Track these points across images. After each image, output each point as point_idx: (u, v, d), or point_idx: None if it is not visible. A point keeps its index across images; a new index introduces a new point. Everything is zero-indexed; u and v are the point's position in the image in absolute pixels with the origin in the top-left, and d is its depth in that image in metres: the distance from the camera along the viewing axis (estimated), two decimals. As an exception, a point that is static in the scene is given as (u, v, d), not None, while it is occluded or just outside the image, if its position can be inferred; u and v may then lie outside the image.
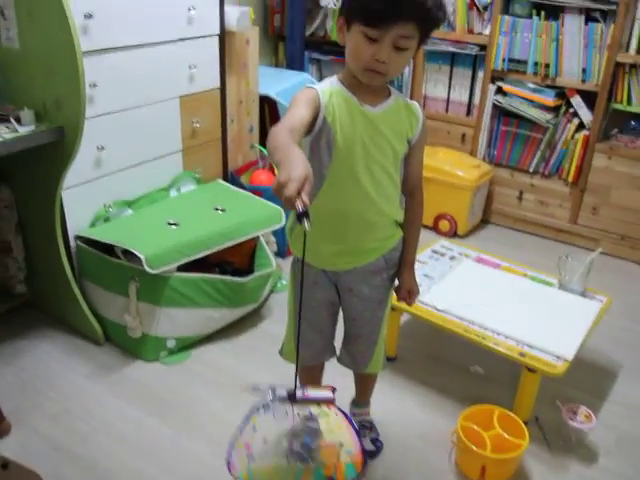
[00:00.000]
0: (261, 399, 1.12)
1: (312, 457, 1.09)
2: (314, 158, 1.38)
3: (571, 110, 3.01)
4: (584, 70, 2.89)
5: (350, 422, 1.09)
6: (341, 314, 1.67)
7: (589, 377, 2.21)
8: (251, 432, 1.13)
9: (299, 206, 0.96)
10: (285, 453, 1.10)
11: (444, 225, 3.25)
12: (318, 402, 1.10)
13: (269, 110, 3.26)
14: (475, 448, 1.70)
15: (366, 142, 1.37)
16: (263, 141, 3.24)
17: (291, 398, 1.11)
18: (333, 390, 1.17)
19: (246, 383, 1.15)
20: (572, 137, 3.03)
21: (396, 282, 1.65)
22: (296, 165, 1.00)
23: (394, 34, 1.23)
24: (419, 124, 1.44)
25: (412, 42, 1.27)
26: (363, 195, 1.41)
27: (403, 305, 1.74)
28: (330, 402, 1.10)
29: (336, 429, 1.09)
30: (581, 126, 3.01)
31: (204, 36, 2.53)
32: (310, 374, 1.76)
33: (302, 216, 0.96)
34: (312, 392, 1.11)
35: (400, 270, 1.63)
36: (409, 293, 1.66)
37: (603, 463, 1.85)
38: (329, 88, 1.36)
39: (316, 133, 1.34)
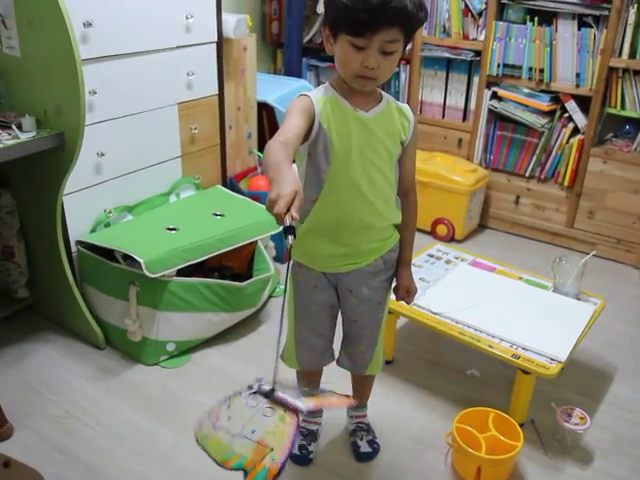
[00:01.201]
0: (250, 386, 1.17)
1: (246, 446, 1.13)
2: (312, 164, 1.42)
3: (566, 115, 3.04)
4: (578, 75, 2.92)
5: (294, 438, 1.13)
6: (340, 317, 1.70)
7: (584, 379, 2.23)
8: (225, 407, 1.18)
9: (287, 220, 1.01)
10: (233, 434, 1.15)
11: (442, 230, 3.28)
12: (286, 406, 1.14)
13: (267, 116, 3.30)
14: (470, 450, 1.72)
15: (362, 146, 1.40)
16: (261, 147, 3.25)
17: (267, 394, 1.15)
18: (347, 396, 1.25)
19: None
20: (567, 141, 3.06)
21: (394, 282, 1.68)
22: (286, 182, 1.05)
23: (379, 40, 1.27)
24: (410, 125, 1.48)
25: (398, 45, 1.31)
26: (361, 198, 1.45)
27: (399, 308, 1.77)
28: (296, 411, 1.14)
29: (278, 435, 1.13)
30: (576, 130, 3.04)
31: (202, 43, 2.56)
32: (309, 378, 1.78)
33: (288, 231, 1.02)
34: (289, 396, 1.15)
35: (397, 270, 1.66)
36: (407, 292, 1.69)
37: (598, 464, 1.87)
38: (323, 96, 1.39)
39: (312, 140, 1.38)
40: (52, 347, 2.30)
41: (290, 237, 1.03)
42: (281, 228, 1.03)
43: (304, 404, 1.15)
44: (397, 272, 1.66)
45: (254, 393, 1.16)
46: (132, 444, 1.88)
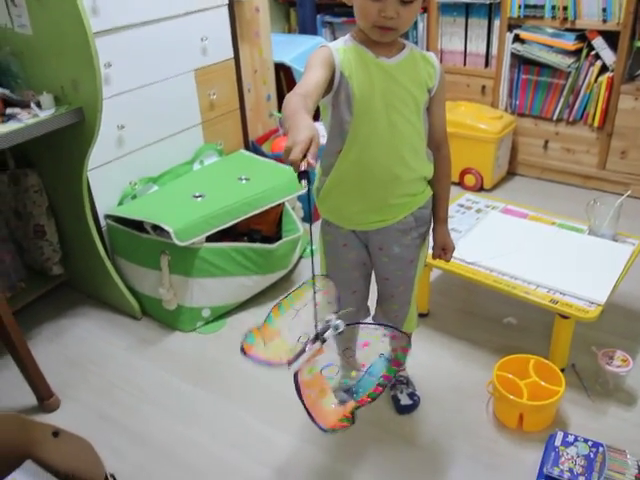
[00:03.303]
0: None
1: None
2: (335, 116, 1.39)
3: (593, 52, 2.93)
4: (604, 10, 2.80)
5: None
6: (374, 275, 1.68)
7: (623, 321, 2.20)
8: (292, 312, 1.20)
9: (302, 166, 0.99)
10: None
11: (470, 180, 3.22)
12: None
13: (285, 77, 3.25)
14: (512, 397, 1.72)
15: (385, 93, 1.36)
16: (281, 109, 3.23)
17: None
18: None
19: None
20: (595, 80, 2.95)
21: (430, 240, 1.65)
22: (301, 129, 1.02)
23: None
24: (437, 73, 1.43)
25: None
26: (387, 148, 1.41)
27: (432, 260, 1.75)
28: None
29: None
30: (604, 68, 2.93)
31: (213, 7, 2.51)
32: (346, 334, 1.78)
33: (302, 175, 0.99)
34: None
35: (433, 228, 1.63)
36: (444, 250, 1.67)
37: (643, 405, 1.85)
38: (342, 45, 1.36)
39: (335, 90, 1.35)
40: (90, 321, 2.34)
41: (304, 181, 1.00)
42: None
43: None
44: (433, 229, 1.63)
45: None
46: (175, 409, 1.92)
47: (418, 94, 1.41)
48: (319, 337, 1.17)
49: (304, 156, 0.99)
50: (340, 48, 1.35)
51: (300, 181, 1.00)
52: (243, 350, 1.16)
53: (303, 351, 1.17)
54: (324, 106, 1.41)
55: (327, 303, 1.23)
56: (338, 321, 1.17)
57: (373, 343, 1.23)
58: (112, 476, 1.24)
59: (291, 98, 1.16)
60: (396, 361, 1.22)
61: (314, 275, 1.16)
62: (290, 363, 1.16)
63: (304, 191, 1.01)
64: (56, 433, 1.32)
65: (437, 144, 1.54)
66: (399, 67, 1.37)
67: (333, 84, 1.33)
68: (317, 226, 1.64)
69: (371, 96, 1.35)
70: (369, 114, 1.37)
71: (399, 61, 1.38)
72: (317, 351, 1.18)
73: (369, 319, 1.77)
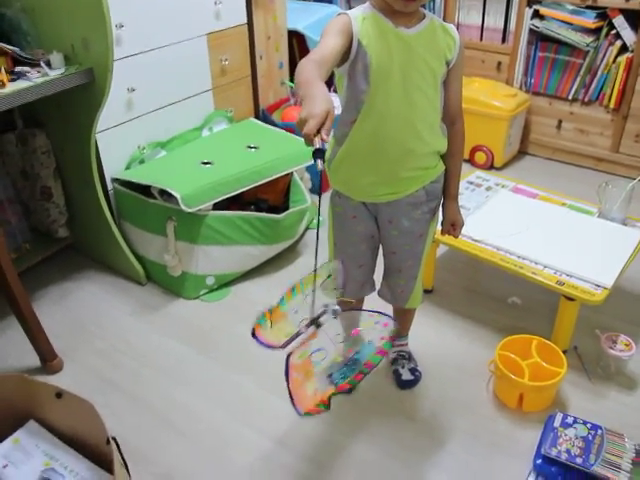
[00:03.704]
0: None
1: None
2: (351, 85, 1.37)
3: (613, 32, 2.87)
4: (628, -12, 2.74)
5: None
6: (381, 249, 1.67)
7: (629, 306, 2.19)
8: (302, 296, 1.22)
9: (317, 143, 0.97)
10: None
11: (480, 157, 3.19)
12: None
13: (298, 45, 3.20)
14: (513, 376, 1.72)
15: (403, 65, 1.34)
16: (293, 77, 3.19)
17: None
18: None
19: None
20: (614, 61, 2.90)
21: (439, 216, 1.64)
22: (318, 101, 1.01)
23: None
24: (456, 45, 1.40)
25: None
26: (402, 120, 1.39)
27: (439, 236, 1.74)
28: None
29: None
30: (624, 48, 2.88)
31: (229, -30, 2.47)
32: (350, 307, 1.78)
33: (318, 154, 0.98)
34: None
35: (443, 203, 1.62)
36: (453, 226, 1.66)
37: (643, 390, 1.86)
38: (361, 13, 1.33)
39: (352, 59, 1.32)
40: (94, 284, 2.35)
41: (319, 161, 0.99)
42: (311, 152, 0.99)
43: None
44: (443, 204, 1.62)
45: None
46: (176, 375, 1.93)
47: (436, 66, 1.38)
48: (314, 322, 1.18)
49: (318, 130, 0.98)
50: (359, 16, 1.32)
51: (315, 160, 0.99)
52: (254, 332, 1.17)
53: (298, 334, 1.18)
54: (340, 75, 1.38)
55: (333, 289, 1.23)
56: (336, 306, 1.18)
57: (364, 330, 1.24)
58: (114, 439, 1.25)
59: (306, 64, 1.14)
60: (382, 350, 1.23)
61: (317, 255, 1.15)
62: (283, 346, 1.17)
63: (319, 168, 1.00)
64: (59, 394, 1.33)
65: (452, 118, 1.51)
66: (418, 38, 1.34)
67: (350, 53, 1.30)
68: (326, 200, 1.63)
69: (389, 66, 1.33)
70: (386, 85, 1.34)
71: (419, 31, 1.35)
72: (311, 335, 1.19)
73: (374, 294, 1.76)
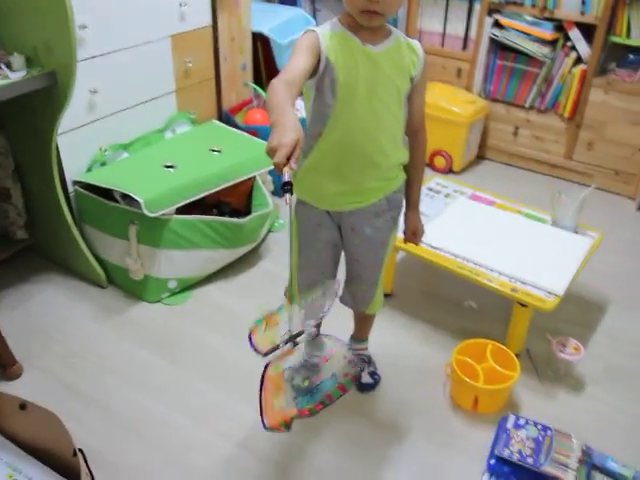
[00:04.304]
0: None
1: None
2: (318, 99, 1.40)
3: (569, 44, 2.97)
4: (584, 2, 2.83)
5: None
6: (344, 255, 1.71)
7: (579, 311, 2.28)
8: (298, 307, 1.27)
9: (285, 175, 1.01)
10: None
11: (439, 161, 3.26)
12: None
13: (262, 47, 3.20)
14: (468, 380, 1.78)
15: (369, 81, 1.38)
16: (257, 79, 3.20)
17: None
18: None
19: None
20: (569, 71, 3.00)
21: (401, 224, 1.69)
22: (288, 130, 1.04)
23: None
24: (420, 62, 1.45)
25: None
26: (366, 134, 1.43)
27: (399, 243, 1.78)
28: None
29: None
30: (579, 60, 2.98)
31: (193, -28, 2.47)
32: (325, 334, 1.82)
33: (286, 188, 1.01)
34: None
35: (405, 212, 1.66)
36: (414, 234, 1.71)
37: (590, 392, 1.94)
38: (330, 31, 1.36)
39: (320, 74, 1.35)
40: (55, 287, 2.32)
41: (287, 195, 1.01)
42: (280, 181, 1.02)
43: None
44: (405, 213, 1.66)
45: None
46: (138, 379, 1.93)
47: (401, 83, 1.42)
48: (292, 339, 1.21)
49: (288, 159, 1.01)
50: (327, 34, 1.35)
51: (284, 194, 1.02)
52: (250, 334, 1.22)
53: (277, 348, 1.23)
54: (307, 89, 1.41)
55: (316, 309, 1.27)
56: (313, 329, 1.22)
57: (333, 359, 1.28)
58: (80, 450, 1.25)
59: (277, 86, 1.17)
60: (343, 386, 1.28)
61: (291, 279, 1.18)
62: (265, 355, 1.21)
63: (287, 203, 1.03)
64: (23, 405, 1.32)
65: (415, 131, 1.56)
66: (384, 55, 1.38)
67: (318, 68, 1.33)
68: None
69: (355, 82, 1.36)
70: (352, 100, 1.38)
71: (385, 49, 1.38)
72: (287, 352, 1.24)
73: (336, 300, 1.79)
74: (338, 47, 1.34)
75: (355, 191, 1.52)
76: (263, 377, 1.18)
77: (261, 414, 1.18)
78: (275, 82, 1.18)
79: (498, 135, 3.36)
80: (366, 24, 1.33)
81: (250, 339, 1.22)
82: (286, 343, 1.22)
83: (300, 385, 1.28)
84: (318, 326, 1.79)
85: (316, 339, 1.28)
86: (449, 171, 3.26)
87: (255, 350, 1.22)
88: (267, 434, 1.72)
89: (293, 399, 1.27)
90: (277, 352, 1.23)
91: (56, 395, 1.85)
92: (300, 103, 2.74)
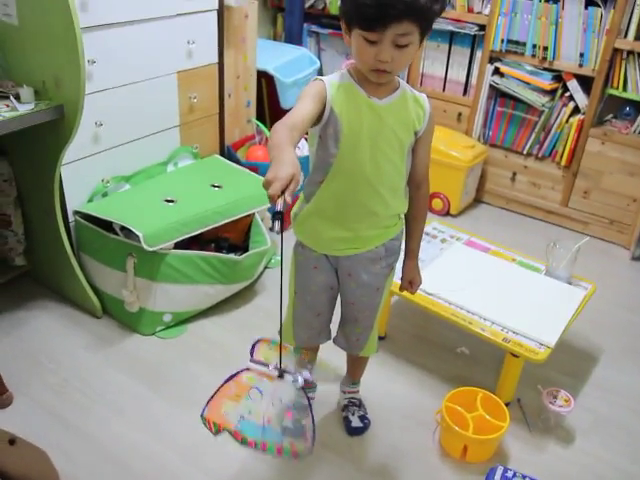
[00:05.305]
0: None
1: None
2: (322, 147, 1.43)
3: (567, 94, 3.03)
4: (582, 54, 2.90)
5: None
6: (339, 298, 1.73)
7: (571, 360, 2.29)
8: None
9: (279, 205, 1.02)
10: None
11: (437, 204, 3.29)
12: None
13: (266, 85, 3.26)
14: (458, 429, 1.78)
15: (372, 133, 1.40)
16: (260, 116, 3.25)
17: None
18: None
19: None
20: (567, 121, 3.05)
21: (398, 270, 1.70)
22: (284, 164, 1.07)
23: (392, 34, 1.25)
24: (426, 116, 1.47)
25: (412, 37, 1.28)
26: (368, 184, 1.45)
27: (393, 287, 1.80)
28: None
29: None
30: (576, 110, 3.03)
31: (203, 11, 2.52)
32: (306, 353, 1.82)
33: (277, 216, 1.03)
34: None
35: (404, 261, 1.69)
36: (411, 284, 1.73)
37: (579, 444, 1.94)
38: (338, 81, 1.39)
39: (324, 123, 1.38)
40: (50, 315, 2.32)
41: (277, 223, 1.04)
42: (272, 210, 1.05)
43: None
44: (403, 262, 1.69)
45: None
46: (128, 413, 1.93)
47: (404, 136, 1.45)
48: (280, 370, 1.23)
49: (283, 192, 1.03)
50: (334, 83, 1.38)
51: (274, 222, 1.05)
52: (259, 341, 1.31)
53: (267, 365, 1.28)
54: (312, 135, 1.44)
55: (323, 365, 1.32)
56: (301, 379, 1.24)
57: (293, 420, 1.30)
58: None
59: (280, 128, 1.20)
60: (295, 452, 1.29)
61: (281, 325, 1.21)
62: (251, 360, 1.27)
63: (276, 230, 1.06)
64: (12, 441, 1.33)
65: (417, 183, 1.58)
66: (389, 108, 1.41)
67: (323, 116, 1.36)
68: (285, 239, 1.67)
69: (359, 134, 1.39)
70: (354, 151, 1.41)
71: (390, 102, 1.41)
72: (270, 376, 1.28)
73: (330, 342, 1.81)
74: (344, 98, 1.38)
75: (353, 238, 1.54)
76: (235, 374, 1.22)
77: (207, 402, 1.26)
78: (278, 125, 1.21)
79: (496, 180, 3.41)
80: (375, 80, 1.36)
81: (254, 345, 1.28)
82: (275, 369, 1.27)
83: (250, 417, 1.30)
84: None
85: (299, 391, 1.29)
86: (447, 213, 3.29)
87: (251, 356, 1.27)
88: (256, 475, 1.74)
89: (239, 417, 1.29)
90: (262, 368, 1.27)
91: (45, 426, 1.84)
92: (304, 143, 2.79)
